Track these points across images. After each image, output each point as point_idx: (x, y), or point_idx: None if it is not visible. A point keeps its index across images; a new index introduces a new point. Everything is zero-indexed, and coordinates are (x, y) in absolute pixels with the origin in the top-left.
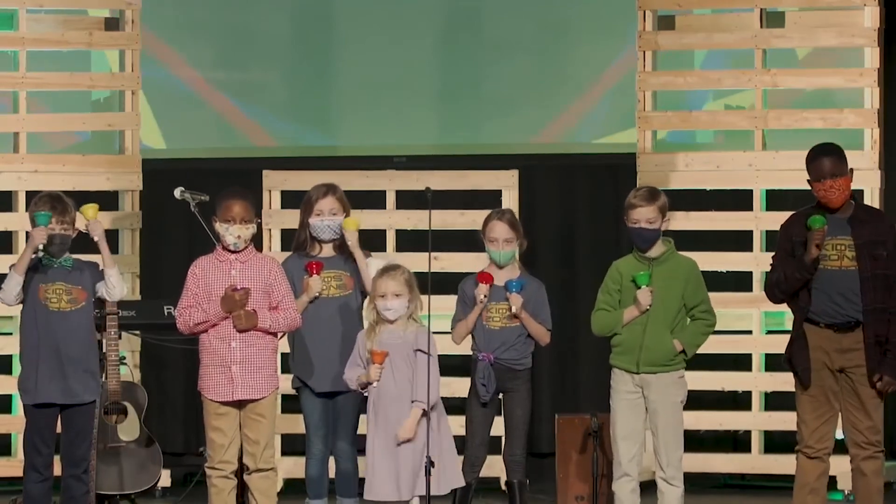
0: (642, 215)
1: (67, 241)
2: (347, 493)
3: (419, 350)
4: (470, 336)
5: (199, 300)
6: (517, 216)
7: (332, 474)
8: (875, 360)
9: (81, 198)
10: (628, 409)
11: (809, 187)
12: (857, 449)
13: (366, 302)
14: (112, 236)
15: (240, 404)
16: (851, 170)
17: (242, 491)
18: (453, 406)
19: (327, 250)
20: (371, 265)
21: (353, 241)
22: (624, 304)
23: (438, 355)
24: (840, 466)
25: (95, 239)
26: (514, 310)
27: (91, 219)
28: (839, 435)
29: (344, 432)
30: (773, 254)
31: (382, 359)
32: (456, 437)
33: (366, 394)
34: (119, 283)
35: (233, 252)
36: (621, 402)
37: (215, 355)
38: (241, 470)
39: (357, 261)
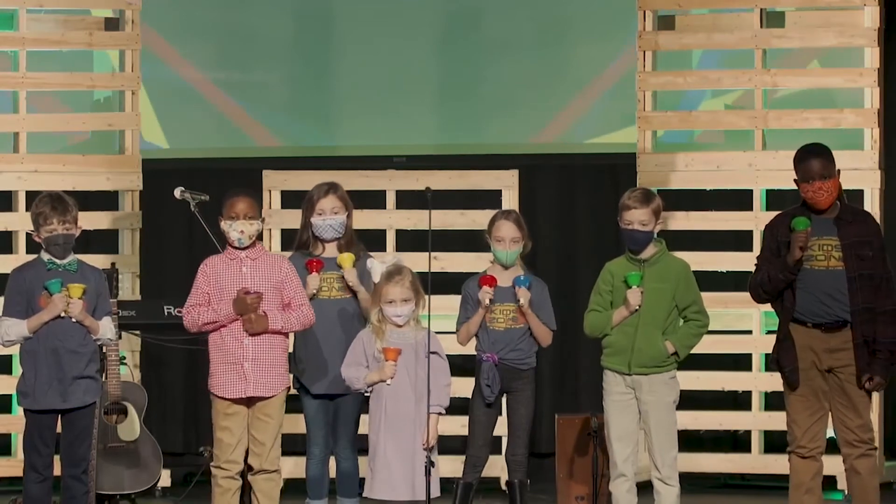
0: (635, 217)
1: (71, 240)
2: (348, 493)
3: (434, 353)
4: (474, 336)
5: (208, 299)
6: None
7: (332, 474)
8: (864, 360)
9: (81, 198)
10: (621, 410)
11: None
12: (850, 448)
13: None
14: (112, 236)
15: (249, 403)
16: (839, 170)
17: (244, 491)
18: (456, 406)
19: (330, 250)
20: (374, 268)
21: (351, 278)
22: (616, 305)
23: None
24: (839, 466)
25: (74, 320)
26: (521, 302)
27: (75, 297)
28: (830, 433)
29: (345, 433)
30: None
31: (397, 356)
32: (458, 437)
33: (367, 393)
34: (112, 333)
35: (242, 250)
36: (614, 404)
37: (227, 353)
38: (246, 470)
39: (359, 296)
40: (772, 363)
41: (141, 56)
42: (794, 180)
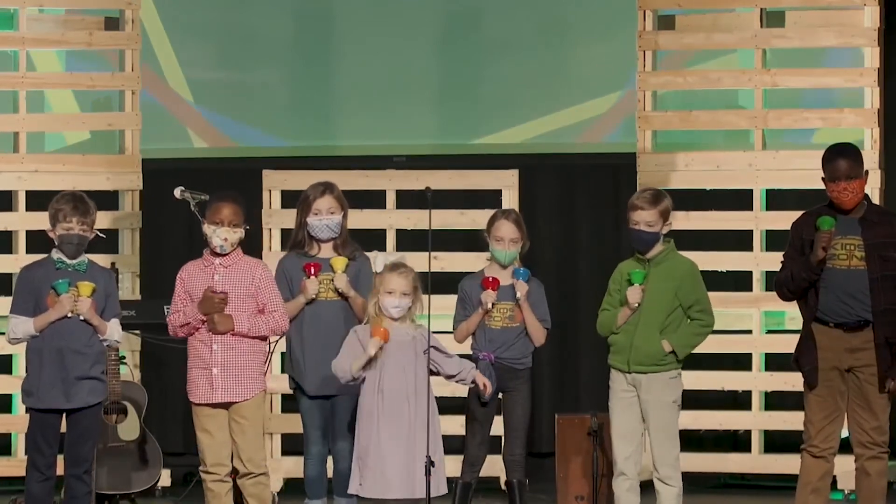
0: (642, 218)
1: (85, 242)
2: (345, 493)
3: (434, 347)
4: (471, 335)
5: (185, 304)
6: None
7: (329, 474)
8: (885, 361)
9: None
10: (623, 409)
11: (823, 186)
12: (862, 449)
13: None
14: (112, 236)
15: (226, 406)
16: (866, 171)
17: (239, 492)
18: (454, 406)
19: (326, 250)
20: (377, 259)
21: (341, 283)
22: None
23: None
24: (840, 466)
25: (82, 318)
26: (518, 295)
27: (84, 296)
28: (844, 434)
29: (342, 432)
30: (775, 253)
31: (386, 336)
32: (456, 437)
33: (354, 380)
34: (119, 335)
35: (218, 256)
36: (617, 402)
37: (198, 358)
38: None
39: (350, 301)
40: (792, 362)
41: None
42: (822, 178)
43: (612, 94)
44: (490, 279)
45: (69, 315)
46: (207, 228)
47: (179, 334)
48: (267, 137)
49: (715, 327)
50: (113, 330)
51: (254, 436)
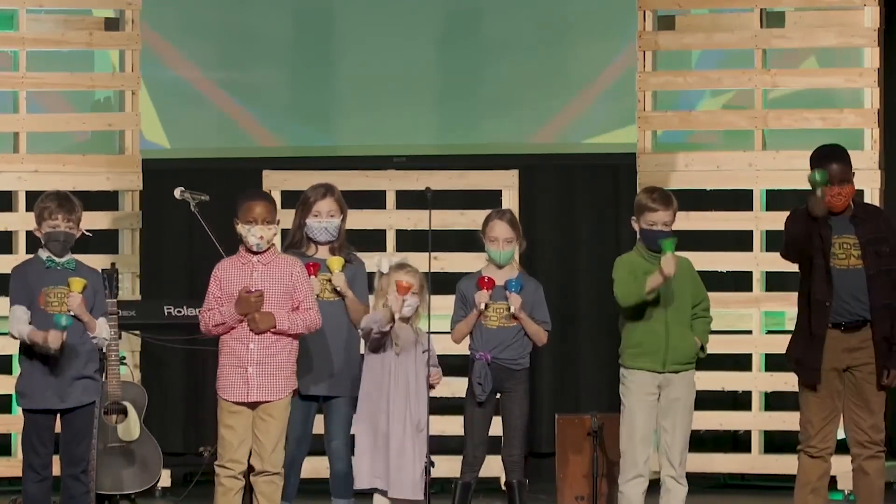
0: (659, 218)
1: (71, 239)
2: (342, 493)
3: (432, 360)
4: (468, 335)
5: (220, 303)
6: (517, 216)
7: (324, 474)
8: (883, 356)
9: (81, 198)
10: (648, 411)
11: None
12: (860, 448)
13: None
14: (112, 236)
15: (254, 405)
16: (853, 174)
17: (247, 492)
18: (452, 406)
19: (322, 252)
20: (383, 261)
21: (339, 282)
22: (634, 291)
23: (437, 355)
24: (840, 466)
25: (72, 313)
26: (513, 310)
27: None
28: (840, 434)
29: (338, 432)
30: (775, 253)
31: (408, 292)
32: (455, 437)
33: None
34: (107, 332)
35: (255, 253)
36: (640, 404)
37: (233, 356)
38: (249, 471)
39: (347, 301)
40: (788, 361)
41: (141, 56)
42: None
43: (581, 89)
44: (485, 279)
45: (56, 312)
46: (241, 228)
47: (213, 333)
48: (274, 116)
49: (715, 327)
50: (102, 328)
51: (277, 435)
